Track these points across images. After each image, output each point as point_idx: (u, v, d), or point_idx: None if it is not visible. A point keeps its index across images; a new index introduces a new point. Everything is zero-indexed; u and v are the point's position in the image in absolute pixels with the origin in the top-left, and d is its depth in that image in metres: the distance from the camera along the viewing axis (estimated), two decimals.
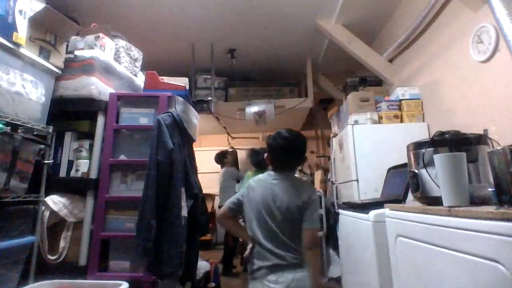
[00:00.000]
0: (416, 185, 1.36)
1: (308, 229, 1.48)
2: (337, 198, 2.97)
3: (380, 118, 2.65)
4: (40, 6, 1.79)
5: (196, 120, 2.50)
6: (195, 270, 2.32)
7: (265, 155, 1.63)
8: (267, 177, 1.60)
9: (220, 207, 3.57)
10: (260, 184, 1.58)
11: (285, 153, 1.56)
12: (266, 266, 1.45)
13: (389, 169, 2.14)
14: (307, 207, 1.49)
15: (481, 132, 1.56)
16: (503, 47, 1.71)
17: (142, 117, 2.11)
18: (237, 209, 1.62)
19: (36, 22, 1.77)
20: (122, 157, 2.05)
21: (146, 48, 2.70)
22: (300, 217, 1.48)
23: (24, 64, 1.72)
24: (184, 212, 1.96)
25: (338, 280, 3.06)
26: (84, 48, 2.14)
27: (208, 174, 4.74)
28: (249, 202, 1.56)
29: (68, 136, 2.07)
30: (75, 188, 1.99)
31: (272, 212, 1.49)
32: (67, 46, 2.09)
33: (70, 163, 2.03)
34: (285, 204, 1.48)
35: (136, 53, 2.53)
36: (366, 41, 3.23)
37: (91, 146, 2.04)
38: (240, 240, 3.73)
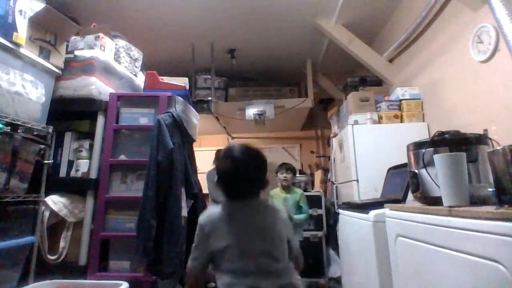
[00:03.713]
0: (416, 185, 1.36)
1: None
2: (337, 198, 2.97)
3: (380, 118, 2.65)
4: (40, 6, 1.79)
5: (196, 120, 2.50)
6: None
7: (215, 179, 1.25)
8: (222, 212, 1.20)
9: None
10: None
11: (239, 179, 1.19)
12: None
13: (389, 169, 2.14)
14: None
15: (481, 132, 1.56)
16: (503, 47, 1.71)
17: (142, 117, 2.11)
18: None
19: (36, 22, 1.77)
20: (122, 157, 2.05)
21: (146, 48, 2.70)
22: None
23: (24, 64, 1.72)
24: (184, 212, 1.96)
25: (338, 280, 3.07)
26: (84, 48, 2.14)
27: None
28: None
29: (68, 136, 2.07)
30: (75, 188, 1.99)
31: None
32: (67, 46, 2.09)
33: (70, 163, 2.03)
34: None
35: (136, 53, 2.53)
36: (366, 41, 3.23)
37: (91, 146, 2.04)
38: None
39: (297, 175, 3.63)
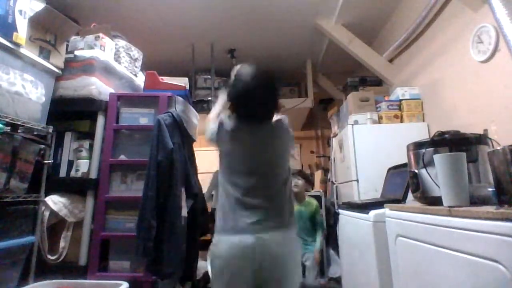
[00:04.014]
0: (416, 185, 1.36)
1: None
2: (337, 198, 2.96)
3: (380, 118, 2.65)
4: (40, 6, 1.79)
5: (196, 120, 2.50)
6: (195, 270, 2.32)
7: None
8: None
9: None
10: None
11: (253, 98, 1.21)
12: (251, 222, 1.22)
13: (389, 169, 2.14)
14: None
15: (481, 132, 1.56)
16: (503, 47, 1.71)
17: (142, 117, 2.11)
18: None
19: (36, 22, 1.77)
20: (122, 157, 2.05)
21: (146, 48, 2.70)
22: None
23: (24, 64, 1.72)
24: (184, 212, 1.95)
25: (338, 280, 3.06)
26: (84, 48, 2.14)
27: (208, 174, 4.73)
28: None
29: (68, 136, 2.07)
30: (75, 188, 1.99)
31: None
32: (67, 46, 2.09)
33: (70, 163, 2.03)
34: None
35: (136, 53, 2.53)
36: (366, 41, 3.23)
37: (91, 146, 2.04)
38: None
39: (312, 188, 3.49)
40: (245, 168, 1.27)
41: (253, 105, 1.22)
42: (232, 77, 1.28)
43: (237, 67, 1.30)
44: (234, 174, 1.27)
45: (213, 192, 3.44)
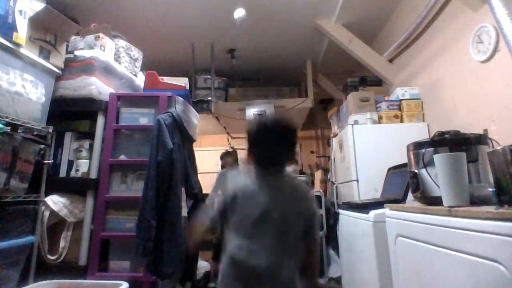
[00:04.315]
0: (416, 185, 1.36)
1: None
2: (337, 198, 2.96)
3: (380, 118, 2.65)
4: (40, 6, 1.79)
5: (196, 120, 2.50)
6: (195, 270, 2.32)
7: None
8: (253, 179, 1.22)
9: None
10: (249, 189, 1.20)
11: (273, 142, 1.19)
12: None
13: (389, 169, 2.14)
14: (311, 224, 1.18)
15: (481, 132, 1.56)
16: (503, 47, 1.71)
17: (142, 117, 2.11)
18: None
19: (36, 22, 1.77)
20: (122, 157, 2.05)
21: (146, 48, 2.70)
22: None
23: (24, 64, 1.72)
24: (184, 212, 1.96)
25: (338, 280, 3.06)
26: (84, 48, 2.14)
27: (208, 174, 4.73)
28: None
29: (68, 136, 2.07)
30: (75, 188, 1.99)
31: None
32: (67, 46, 2.09)
33: (70, 163, 2.03)
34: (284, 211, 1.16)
35: (136, 53, 2.53)
36: (366, 41, 3.23)
37: (91, 146, 2.04)
38: None
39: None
40: None
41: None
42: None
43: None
44: None
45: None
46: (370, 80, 3.37)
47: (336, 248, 3.11)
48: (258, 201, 1.14)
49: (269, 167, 1.23)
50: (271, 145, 1.21)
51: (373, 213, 1.71)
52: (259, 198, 1.15)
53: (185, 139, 2.14)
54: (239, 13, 2.88)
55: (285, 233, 1.13)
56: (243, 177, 1.23)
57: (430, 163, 1.27)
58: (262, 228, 1.12)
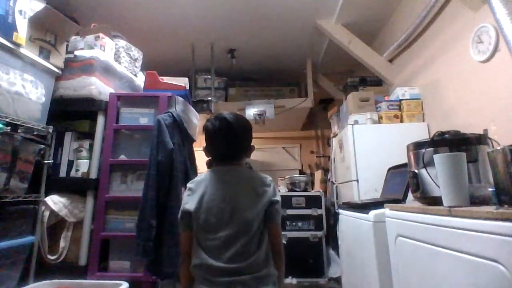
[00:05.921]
0: (416, 185, 1.36)
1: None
2: (337, 198, 2.97)
3: (380, 118, 2.65)
4: (40, 6, 1.79)
5: (196, 120, 2.50)
6: None
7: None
8: (209, 175, 1.22)
9: None
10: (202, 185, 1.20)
11: (225, 139, 1.21)
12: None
13: (389, 169, 2.14)
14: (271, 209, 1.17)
15: (481, 132, 1.55)
16: (503, 47, 1.71)
17: (142, 117, 2.11)
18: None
19: (36, 22, 1.77)
20: (122, 157, 2.05)
21: (146, 48, 2.70)
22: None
23: (24, 64, 1.73)
24: None
25: (338, 280, 3.07)
26: (84, 48, 2.14)
27: None
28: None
29: (68, 136, 2.07)
30: (75, 188, 1.99)
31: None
32: (67, 46, 2.10)
33: (70, 163, 2.03)
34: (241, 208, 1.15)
35: (136, 53, 2.53)
36: (366, 41, 3.23)
37: (91, 146, 2.04)
38: None
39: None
40: None
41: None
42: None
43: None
44: None
45: None
46: (370, 80, 3.37)
47: (336, 248, 3.11)
48: (214, 205, 1.15)
49: (224, 163, 1.24)
50: (220, 141, 1.23)
51: (373, 213, 1.71)
52: (214, 202, 1.15)
53: (185, 139, 2.14)
54: None
55: (245, 223, 1.13)
56: (201, 186, 1.21)
57: (430, 163, 1.27)
58: (221, 227, 1.13)
